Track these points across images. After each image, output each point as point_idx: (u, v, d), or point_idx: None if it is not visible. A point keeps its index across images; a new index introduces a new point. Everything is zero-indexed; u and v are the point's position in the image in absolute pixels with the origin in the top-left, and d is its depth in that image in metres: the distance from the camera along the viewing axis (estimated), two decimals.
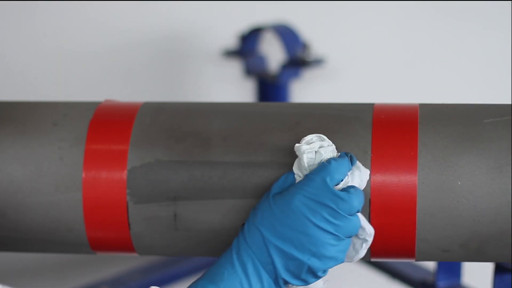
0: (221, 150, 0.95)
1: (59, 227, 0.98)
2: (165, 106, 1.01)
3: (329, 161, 0.88)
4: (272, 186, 0.91)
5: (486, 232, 0.91)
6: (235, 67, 1.84)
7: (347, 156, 0.90)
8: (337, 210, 0.87)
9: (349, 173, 0.90)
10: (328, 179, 0.87)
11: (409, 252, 0.94)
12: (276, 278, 0.88)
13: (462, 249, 0.93)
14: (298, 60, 1.69)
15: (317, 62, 1.71)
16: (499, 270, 1.18)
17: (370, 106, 0.98)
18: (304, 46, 1.70)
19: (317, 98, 1.85)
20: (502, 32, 1.82)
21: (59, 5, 1.70)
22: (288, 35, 1.70)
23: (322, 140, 0.90)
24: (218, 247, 0.98)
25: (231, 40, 1.80)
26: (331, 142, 0.91)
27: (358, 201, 0.88)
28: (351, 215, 0.88)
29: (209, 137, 0.96)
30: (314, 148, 0.90)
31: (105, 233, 0.97)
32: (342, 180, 0.89)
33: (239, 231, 0.90)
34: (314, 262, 0.87)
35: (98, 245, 0.99)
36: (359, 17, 1.84)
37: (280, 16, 1.78)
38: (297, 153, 0.90)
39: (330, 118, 0.96)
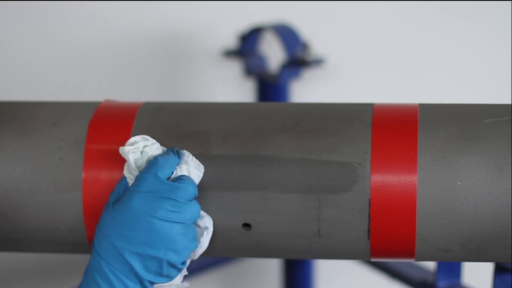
0: (221, 150, 0.95)
1: (59, 227, 0.98)
2: (165, 106, 1.01)
3: (156, 158, 0.90)
4: (109, 196, 0.92)
5: (486, 232, 0.91)
6: (235, 67, 1.84)
7: (173, 152, 0.92)
8: (176, 199, 0.88)
9: (177, 167, 0.91)
10: (159, 174, 0.89)
11: (409, 252, 0.94)
12: (141, 282, 0.89)
13: (462, 249, 0.93)
14: (298, 60, 1.69)
15: (317, 62, 1.71)
16: (499, 270, 1.18)
17: (370, 106, 0.98)
18: (304, 46, 1.70)
19: (317, 98, 1.85)
20: (502, 32, 1.81)
21: (59, 5, 1.70)
22: (288, 35, 1.69)
23: (146, 140, 0.92)
24: (218, 247, 0.98)
25: (231, 40, 1.80)
26: (155, 141, 0.93)
27: (193, 187, 0.90)
28: (190, 201, 0.89)
29: (209, 137, 0.96)
30: (139, 148, 0.91)
31: None
32: (172, 174, 0.90)
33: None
34: (171, 256, 0.88)
35: None
36: (359, 17, 1.84)
37: (280, 16, 1.78)
38: (123, 155, 0.91)
39: (330, 118, 0.96)
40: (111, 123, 0.98)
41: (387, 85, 1.88)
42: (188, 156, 0.93)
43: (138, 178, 0.90)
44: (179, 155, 0.92)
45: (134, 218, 0.88)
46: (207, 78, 1.85)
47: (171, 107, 1.01)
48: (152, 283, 0.90)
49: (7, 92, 1.68)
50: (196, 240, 0.91)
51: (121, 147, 0.91)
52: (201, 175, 0.93)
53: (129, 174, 0.92)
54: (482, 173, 0.91)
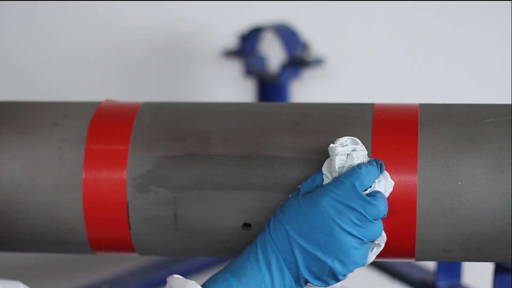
0: (221, 150, 0.95)
1: (59, 227, 0.98)
2: (165, 106, 1.01)
3: (359, 166, 0.89)
4: (301, 185, 0.91)
5: (486, 232, 0.91)
6: (235, 67, 1.84)
7: (377, 164, 0.90)
8: (365, 214, 0.87)
9: (376, 181, 0.90)
10: (357, 184, 0.87)
11: (409, 252, 0.94)
12: (297, 277, 0.89)
13: (462, 249, 0.93)
14: (298, 60, 1.69)
15: (317, 62, 1.71)
16: (499, 270, 1.18)
17: (370, 106, 0.98)
18: (304, 46, 1.70)
19: (317, 98, 1.85)
20: (502, 32, 1.81)
21: (59, 5, 1.70)
22: (288, 35, 1.70)
23: (356, 144, 0.90)
24: (218, 247, 0.98)
25: (231, 40, 1.80)
26: (364, 148, 0.91)
27: (384, 206, 0.89)
28: (376, 220, 0.88)
29: (209, 137, 0.96)
30: (347, 151, 0.90)
31: (105, 233, 0.97)
32: (370, 187, 0.89)
33: (265, 227, 0.90)
34: (337, 265, 0.88)
35: (98, 245, 0.99)
36: (359, 17, 1.84)
37: (280, 16, 1.78)
38: (331, 153, 0.90)
39: (330, 118, 0.96)
40: (112, 123, 0.98)
41: (387, 85, 1.88)
42: (386, 172, 0.91)
43: (336, 180, 0.88)
44: (381, 168, 0.90)
45: (317, 217, 0.87)
46: (207, 78, 1.85)
47: (171, 107, 1.01)
48: (307, 282, 0.89)
49: (7, 92, 1.68)
50: (366, 258, 0.89)
51: (332, 146, 0.90)
52: (391, 190, 0.91)
53: (327, 173, 0.90)
54: (483, 173, 0.91)
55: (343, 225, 0.87)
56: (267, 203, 0.94)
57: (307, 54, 1.70)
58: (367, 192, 0.89)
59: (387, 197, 0.90)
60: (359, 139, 0.92)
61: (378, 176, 0.90)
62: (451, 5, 1.82)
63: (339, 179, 0.88)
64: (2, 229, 0.99)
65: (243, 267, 0.89)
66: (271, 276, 0.88)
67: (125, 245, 0.99)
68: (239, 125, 0.96)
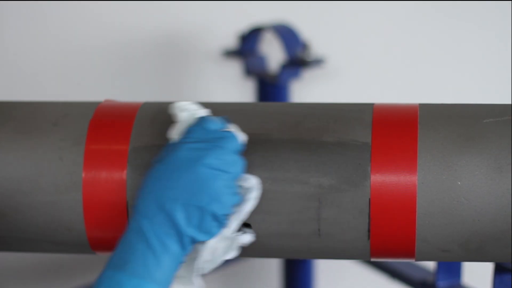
0: None
1: (59, 227, 0.98)
2: (165, 106, 1.01)
3: (205, 116, 0.91)
4: (152, 160, 0.91)
5: (486, 232, 0.91)
6: (235, 67, 1.84)
7: (220, 118, 0.92)
8: (223, 147, 0.88)
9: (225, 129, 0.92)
10: (206, 126, 0.89)
11: (409, 252, 0.94)
12: (181, 239, 0.86)
13: (462, 249, 0.93)
14: (298, 60, 1.69)
15: (317, 62, 1.71)
16: (499, 270, 1.18)
17: (370, 106, 0.98)
18: (304, 46, 1.70)
19: (317, 98, 1.85)
20: (502, 32, 1.81)
21: (59, 5, 1.70)
22: (288, 35, 1.69)
23: (198, 106, 0.93)
24: None
25: (231, 40, 1.80)
26: (207, 110, 0.94)
27: (239, 139, 0.90)
28: (235, 154, 0.90)
29: None
30: (190, 110, 0.92)
31: (105, 233, 0.97)
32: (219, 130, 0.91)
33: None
34: (214, 206, 0.87)
35: (98, 245, 0.99)
36: (359, 17, 1.84)
37: (280, 16, 1.78)
38: (174, 111, 0.92)
39: (330, 118, 0.96)
40: (111, 123, 0.98)
41: (387, 85, 1.88)
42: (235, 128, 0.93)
43: (186, 131, 0.90)
44: (226, 122, 0.92)
45: (179, 168, 0.87)
46: (207, 78, 1.85)
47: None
48: (193, 240, 0.87)
49: (8, 92, 1.68)
50: (238, 195, 0.89)
51: (174, 103, 0.92)
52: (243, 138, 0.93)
53: (176, 135, 0.91)
54: (482, 173, 0.91)
55: (206, 163, 0.87)
56: (267, 203, 0.94)
57: (307, 54, 1.70)
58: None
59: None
60: (359, 139, 0.93)
61: (224, 126, 0.91)
62: (451, 5, 1.82)
63: (188, 129, 0.90)
64: (2, 229, 0.99)
65: (122, 258, 0.85)
66: (153, 251, 0.85)
67: None
68: (239, 125, 0.96)
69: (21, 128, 0.98)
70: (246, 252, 0.98)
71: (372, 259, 0.97)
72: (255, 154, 0.94)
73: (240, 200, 0.90)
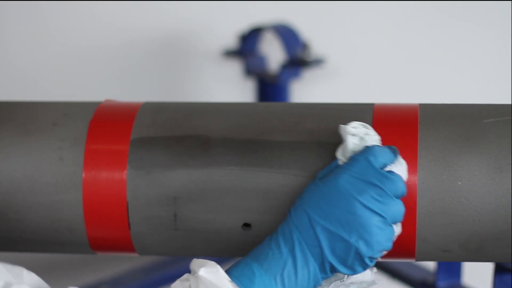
0: (221, 150, 0.95)
1: (59, 227, 0.98)
2: (165, 106, 1.01)
3: (373, 145, 0.88)
4: (317, 173, 0.90)
5: (486, 232, 0.91)
6: (235, 67, 1.84)
7: (391, 149, 0.89)
8: (384, 189, 0.86)
9: (391, 164, 0.89)
10: (372, 159, 0.87)
11: (409, 252, 0.94)
12: (322, 263, 0.87)
13: (462, 249, 0.93)
14: (298, 60, 1.69)
15: (317, 62, 1.71)
16: (499, 270, 1.18)
17: (370, 106, 0.98)
18: (304, 46, 1.70)
19: (317, 98, 1.85)
20: (502, 32, 1.81)
21: (59, 5, 1.70)
22: (288, 35, 1.70)
23: (368, 129, 0.90)
24: (218, 247, 0.98)
25: (231, 40, 1.80)
26: (377, 133, 0.90)
27: (402, 184, 0.88)
28: (396, 197, 0.87)
29: (209, 137, 0.96)
30: (360, 134, 0.89)
31: (105, 233, 0.97)
32: (385, 166, 0.88)
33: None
34: (361, 245, 0.86)
35: (98, 245, 0.99)
36: (359, 17, 1.84)
37: (280, 16, 1.78)
38: (342, 133, 0.89)
39: (330, 118, 0.96)
40: (111, 123, 0.98)
41: (387, 85, 1.88)
42: (403, 160, 0.90)
43: (351, 159, 0.88)
44: (396, 155, 0.90)
45: (337, 195, 0.86)
46: (207, 78, 1.85)
47: (171, 107, 1.01)
48: (333, 269, 0.87)
49: (8, 92, 1.68)
50: (391, 242, 0.87)
51: (342, 126, 0.89)
52: (406, 177, 0.90)
53: (342, 157, 0.90)
54: (482, 173, 0.91)
55: (364, 201, 0.85)
56: (267, 203, 0.94)
57: (307, 54, 1.70)
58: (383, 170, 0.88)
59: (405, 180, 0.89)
60: None
61: (393, 159, 0.89)
62: (451, 5, 1.82)
63: (354, 157, 0.88)
64: (2, 229, 0.99)
65: (264, 253, 0.87)
66: (294, 260, 0.86)
67: (125, 245, 0.99)
68: (239, 125, 0.96)
69: (21, 128, 0.98)
70: (246, 252, 0.98)
71: None
72: (255, 154, 0.94)
73: (389, 248, 0.88)
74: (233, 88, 1.87)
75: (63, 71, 1.75)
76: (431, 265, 1.44)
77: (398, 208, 0.87)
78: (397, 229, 0.89)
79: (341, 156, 0.90)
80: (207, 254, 1.00)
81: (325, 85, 1.87)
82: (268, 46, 1.82)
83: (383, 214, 0.86)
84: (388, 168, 0.88)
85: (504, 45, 1.81)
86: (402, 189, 0.87)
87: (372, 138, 0.90)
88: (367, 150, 0.88)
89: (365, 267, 0.88)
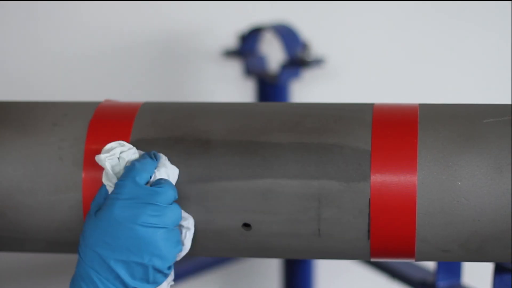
0: (221, 150, 0.95)
1: (59, 227, 0.98)
2: (165, 106, 1.01)
3: (133, 163, 0.90)
4: (91, 204, 0.92)
5: (486, 232, 0.91)
6: (235, 67, 1.84)
7: (150, 155, 0.91)
8: (157, 203, 0.88)
9: (155, 170, 0.91)
10: (137, 179, 0.89)
11: (409, 252, 0.94)
12: None
13: (462, 249, 0.93)
14: (298, 60, 1.69)
15: (317, 62, 1.71)
16: (499, 270, 1.18)
17: (370, 106, 0.98)
18: (304, 46, 1.70)
19: (317, 98, 1.85)
20: (502, 32, 1.81)
21: (59, 6, 1.70)
22: (288, 35, 1.70)
23: (122, 146, 0.92)
24: (218, 247, 0.98)
25: (231, 40, 1.80)
26: (131, 146, 0.92)
27: (172, 190, 0.90)
28: (170, 205, 0.89)
29: (209, 137, 0.96)
30: (116, 155, 0.91)
31: None
32: (150, 177, 0.90)
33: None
34: (156, 261, 0.88)
35: None
36: (359, 17, 1.84)
37: (280, 16, 1.78)
38: (99, 163, 0.91)
39: (330, 118, 0.96)
40: (111, 123, 0.98)
41: (387, 85, 1.88)
42: (166, 159, 0.93)
43: (117, 186, 0.89)
44: (156, 158, 0.92)
45: (116, 226, 0.88)
46: (207, 78, 1.85)
47: (171, 107, 1.01)
48: None
49: (8, 92, 1.68)
50: (180, 243, 0.91)
51: (97, 156, 0.91)
52: (176, 177, 0.93)
53: (108, 182, 0.91)
54: (482, 173, 0.91)
55: (142, 222, 0.87)
56: (267, 203, 0.94)
57: (307, 54, 1.70)
58: (150, 182, 0.90)
59: (174, 182, 0.92)
60: (359, 139, 0.93)
61: (155, 166, 0.91)
62: (451, 5, 1.82)
63: (119, 183, 0.89)
64: (2, 229, 0.99)
65: None
66: None
67: None
68: (239, 125, 0.96)
69: (21, 128, 0.98)
70: (246, 252, 0.98)
71: (372, 259, 0.97)
72: (255, 154, 0.94)
73: (180, 249, 0.91)
74: (233, 88, 1.87)
75: (63, 71, 1.75)
76: (431, 265, 1.44)
77: (174, 213, 0.90)
78: (185, 226, 0.92)
79: (107, 181, 0.91)
80: (207, 254, 1.00)
81: (325, 85, 1.87)
82: (268, 46, 1.82)
83: (164, 225, 0.88)
84: (154, 177, 0.90)
85: (504, 45, 1.81)
86: (173, 196, 0.90)
87: (129, 153, 0.91)
88: (129, 170, 0.89)
89: (166, 275, 0.90)
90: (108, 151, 0.91)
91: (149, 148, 0.96)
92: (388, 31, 1.86)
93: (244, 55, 1.77)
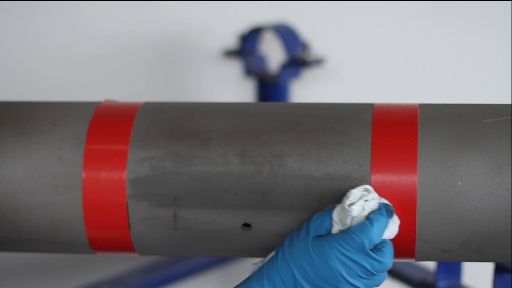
0: (221, 150, 0.95)
1: (59, 227, 0.98)
2: (165, 106, 1.01)
3: (371, 221, 0.89)
4: (310, 225, 0.91)
5: (486, 232, 0.91)
6: (235, 67, 1.84)
7: (387, 211, 0.90)
8: (371, 270, 0.88)
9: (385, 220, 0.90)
10: (366, 243, 0.88)
11: (409, 252, 0.94)
12: None
13: (462, 249, 0.93)
14: (298, 60, 1.69)
15: (317, 62, 1.71)
16: (499, 270, 1.18)
17: (370, 106, 0.98)
18: (304, 46, 1.70)
19: (317, 98, 1.85)
20: (502, 32, 1.82)
21: (59, 7, 1.70)
22: (288, 35, 1.70)
23: (368, 192, 0.90)
24: (218, 247, 0.98)
25: (231, 40, 1.80)
26: (375, 194, 0.90)
27: (390, 259, 0.90)
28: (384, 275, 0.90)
29: (209, 137, 0.96)
30: (360, 205, 0.90)
31: (105, 233, 0.97)
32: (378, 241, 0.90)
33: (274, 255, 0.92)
34: None
35: (98, 245, 0.99)
36: (359, 17, 1.84)
37: (280, 16, 1.78)
38: (345, 211, 0.89)
39: (330, 118, 0.96)
40: (111, 123, 0.98)
41: (387, 85, 1.88)
42: (393, 212, 0.91)
43: (347, 235, 0.89)
44: (391, 214, 0.90)
45: (325, 268, 0.89)
46: (207, 78, 1.85)
47: (171, 107, 1.01)
48: None
49: (8, 92, 1.68)
50: None
51: (347, 207, 0.89)
52: (396, 232, 0.91)
53: (338, 221, 0.90)
54: (482, 173, 0.91)
55: (349, 279, 0.89)
56: (267, 203, 0.94)
57: (307, 54, 1.70)
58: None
59: (393, 236, 0.91)
60: (359, 139, 0.93)
61: (387, 225, 0.90)
62: (451, 5, 1.82)
63: (350, 234, 0.89)
64: (2, 229, 0.99)
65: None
66: None
67: (125, 245, 0.99)
68: (239, 125, 0.96)
69: (21, 128, 0.98)
70: (246, 252, 0.98)
71: None
72: (255, 154, 0.94)
73: None
74: (233, 88, 1.87)
75: (63, 71, 1.75)
76: (431, 265, 1.44)
77: (380, 280, 0.91)
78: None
79: (337, 219, 0.90)
80: (207, 254, 1.00)
81: (325, 85, 1.87)
82: (268, 46, 1.82)
83: (365, 286, 0.89)
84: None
85: (504, 45, 1.81)
86: (388, 266, 0.90)
87: (370, 204, 0.90)
88: (364, 230, 0.89)
89: None
90: (355, 197, 0.90)
91: (149, 148, 0.95)
92: (388, 31, 1.86)
93: (244, 55, 1.77)
